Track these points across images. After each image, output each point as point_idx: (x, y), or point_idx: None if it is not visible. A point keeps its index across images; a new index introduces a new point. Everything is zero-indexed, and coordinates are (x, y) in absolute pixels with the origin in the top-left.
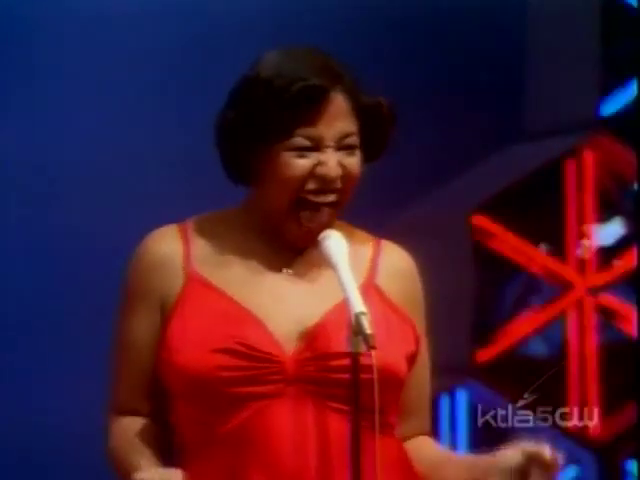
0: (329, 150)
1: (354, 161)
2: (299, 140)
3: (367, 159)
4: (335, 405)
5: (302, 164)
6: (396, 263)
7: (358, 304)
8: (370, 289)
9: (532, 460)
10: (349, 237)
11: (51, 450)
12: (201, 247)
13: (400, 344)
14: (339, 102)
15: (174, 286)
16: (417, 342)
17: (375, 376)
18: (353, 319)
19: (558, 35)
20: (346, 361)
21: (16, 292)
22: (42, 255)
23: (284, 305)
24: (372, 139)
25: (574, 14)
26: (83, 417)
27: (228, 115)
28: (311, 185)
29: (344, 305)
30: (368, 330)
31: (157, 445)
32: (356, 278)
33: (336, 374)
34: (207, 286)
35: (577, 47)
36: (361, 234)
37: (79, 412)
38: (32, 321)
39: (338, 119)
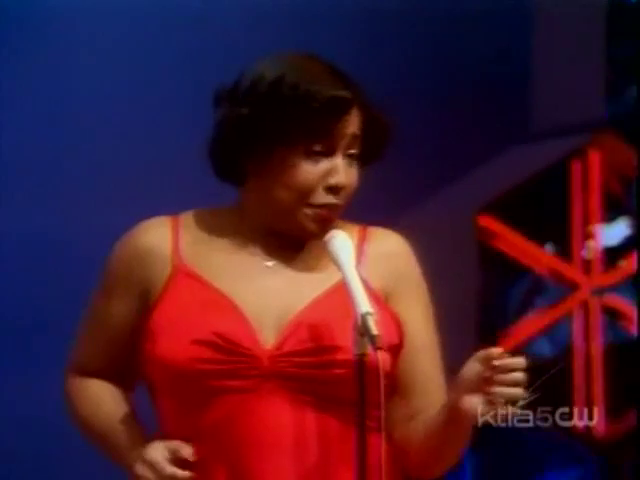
0: (339, 157)
1: (354, 171)
2: (314, 145)
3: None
4: (311, 400)
5: (314, 170)
6: (382, 245)
7: (364, 304)
8: None
9: (485, 362)
10: (335, 227)
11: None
12: (191, 238)
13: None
14: (355, 113)
15: (160, 276)
16: (400, 335)
17: (381, 380)
18: (359, 319)
19: (564, 35)
20: (322, 357)
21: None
22: (36, 256)
23: (267, 298)
24: (369, 149)
25: (580, 14)
26: None
27: (241, 112)
28: (320, 198)
29: (322, 300)
30: (374, 331)
31: (132, 412)
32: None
33: (311, 370)
34: (192, 277)
35: (583, 47)
36: (347, 224)
37: None
38: (30, 319)
39: (350, 129)
